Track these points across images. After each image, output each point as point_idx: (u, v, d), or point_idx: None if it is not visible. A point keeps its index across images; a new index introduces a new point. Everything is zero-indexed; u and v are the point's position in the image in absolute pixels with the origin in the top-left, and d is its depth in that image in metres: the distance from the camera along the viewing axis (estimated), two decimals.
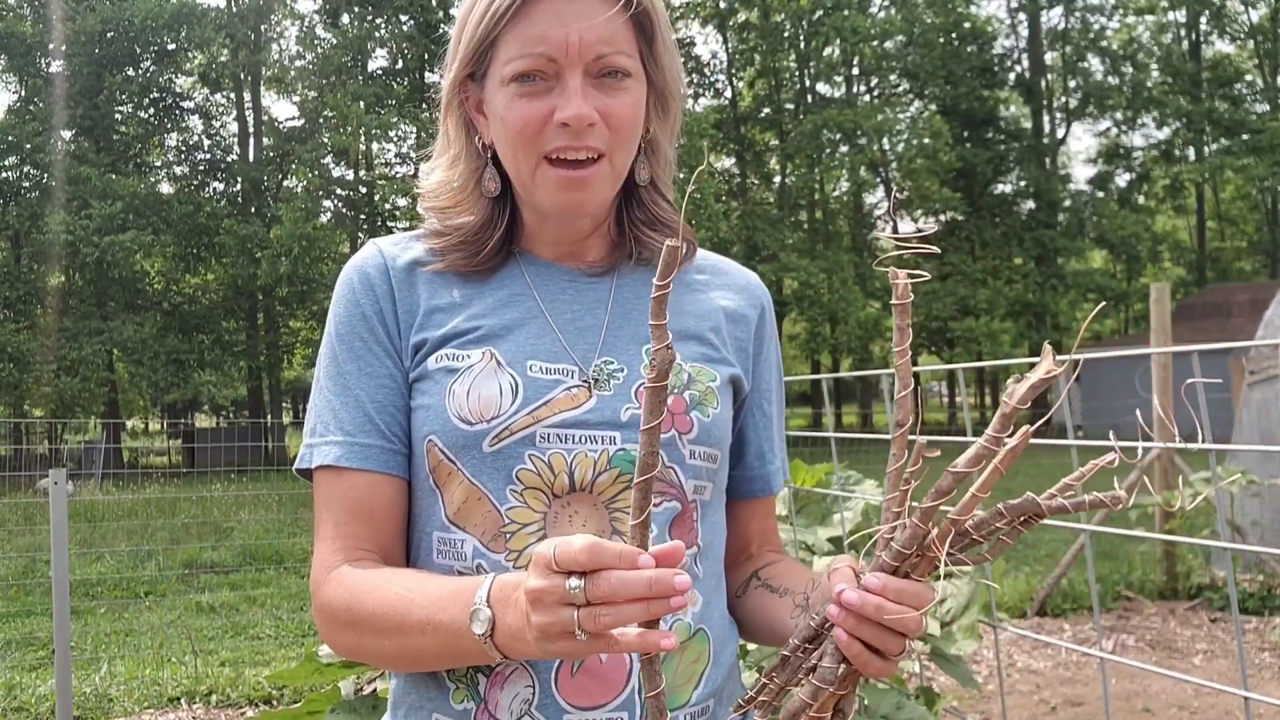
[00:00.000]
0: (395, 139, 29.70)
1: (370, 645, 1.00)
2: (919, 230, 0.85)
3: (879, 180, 34.34)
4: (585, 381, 1.06)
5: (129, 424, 38.04)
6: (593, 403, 1.05)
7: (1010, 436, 0.78)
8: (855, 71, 34.59)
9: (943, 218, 32.13)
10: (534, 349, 1.07)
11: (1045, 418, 0.84)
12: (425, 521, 1.08)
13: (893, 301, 0.84)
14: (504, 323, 1.09)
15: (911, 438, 0.87)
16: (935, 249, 0.85)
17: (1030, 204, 34.58)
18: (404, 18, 28.64)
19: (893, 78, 35.10)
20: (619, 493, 1.04)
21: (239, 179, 29.56)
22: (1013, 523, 0.79)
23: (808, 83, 34.30)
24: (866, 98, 34.54)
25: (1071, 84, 36.78)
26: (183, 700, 5.24)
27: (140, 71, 28.60)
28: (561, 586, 0.79)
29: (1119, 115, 36.78)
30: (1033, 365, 0.80)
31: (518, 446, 1.03)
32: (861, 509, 2.80)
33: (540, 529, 1.03)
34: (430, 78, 29.43)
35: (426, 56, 29.21)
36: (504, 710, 1.02)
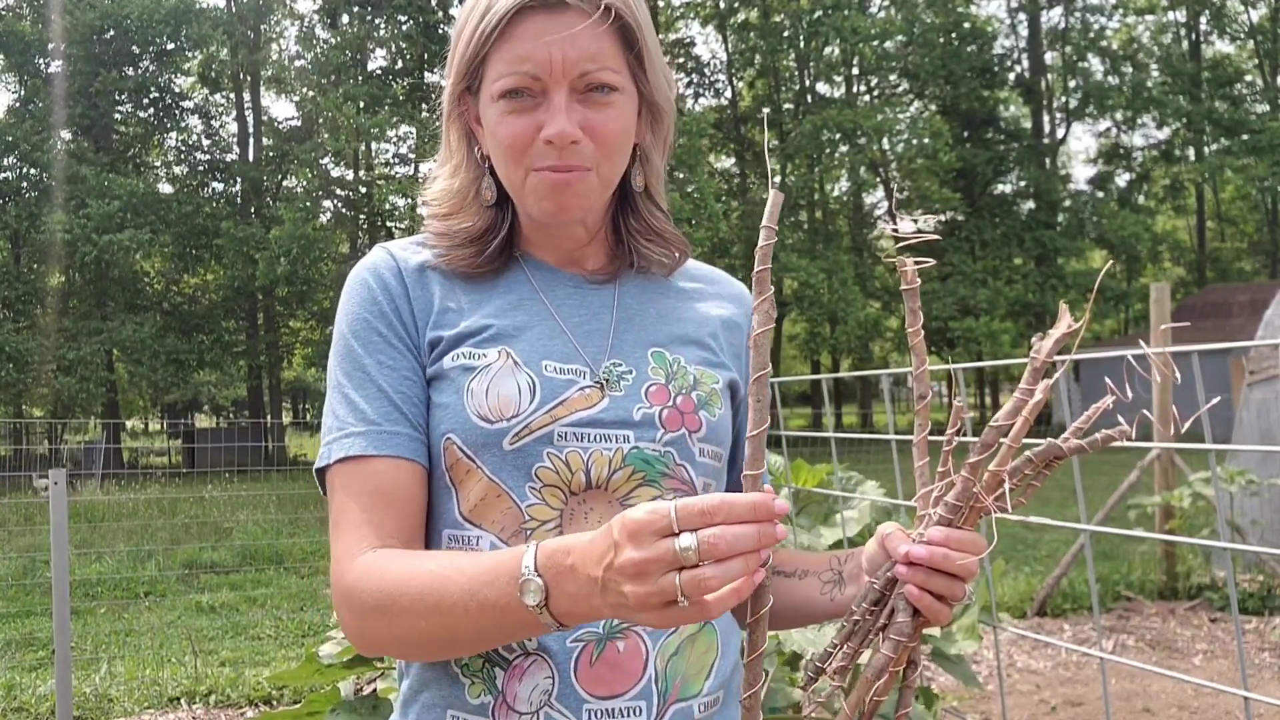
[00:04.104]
0: (394, 140, 29.70)
1: (404, 629, 0.98)
2: (921, 219, 0.92)
3: (879, 180, 34.35)
4: (597, 382, 1.09)
5: (129, 424, 38.04)
6: (606, 403, 1.08)
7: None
8: (855, 71, 34.57)
9: (943, 218, 32.16)
10: (547, 349, 1.09)
11: (1042, 391, 0.86)
12: (437, 519, 1.09)
13: (903, 287, 0.95)
14: (515, 323, 1.11)
15: (933, 439, 0.98)
16: (937, 235, 0.94)
17: (1030, 204, 34.58)
18: (403, 18, 28.61)
19: (893, 78, 35.09)
20: (633, 489, 1.07)
21: (238, 179, 29.56)
22: (1039, 468, 0.90)
23: (808, 83, 34.30)
24: (866, 98, 34.53)
25: (1071, 84, 36.77)
26: (183, 700, 5.24)
27: (139, 71, 28.62)
28: (671, 550, 0.78)
29: (1119, 115, 36.76)
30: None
31: (537, 445, 1.05)
32: (869, 509, 2.81)
33: (557, 525, 1.05)
34: (430, 78, 29.44)
35: (426, 57, 29.21)
36: (523, 702, 1.02)
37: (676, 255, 1.20)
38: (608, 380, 1.09)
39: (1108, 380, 0.88)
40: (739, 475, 1.23)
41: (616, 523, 0.82)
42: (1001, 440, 0.89)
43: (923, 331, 0.95)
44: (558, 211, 1.08)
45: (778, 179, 33.80)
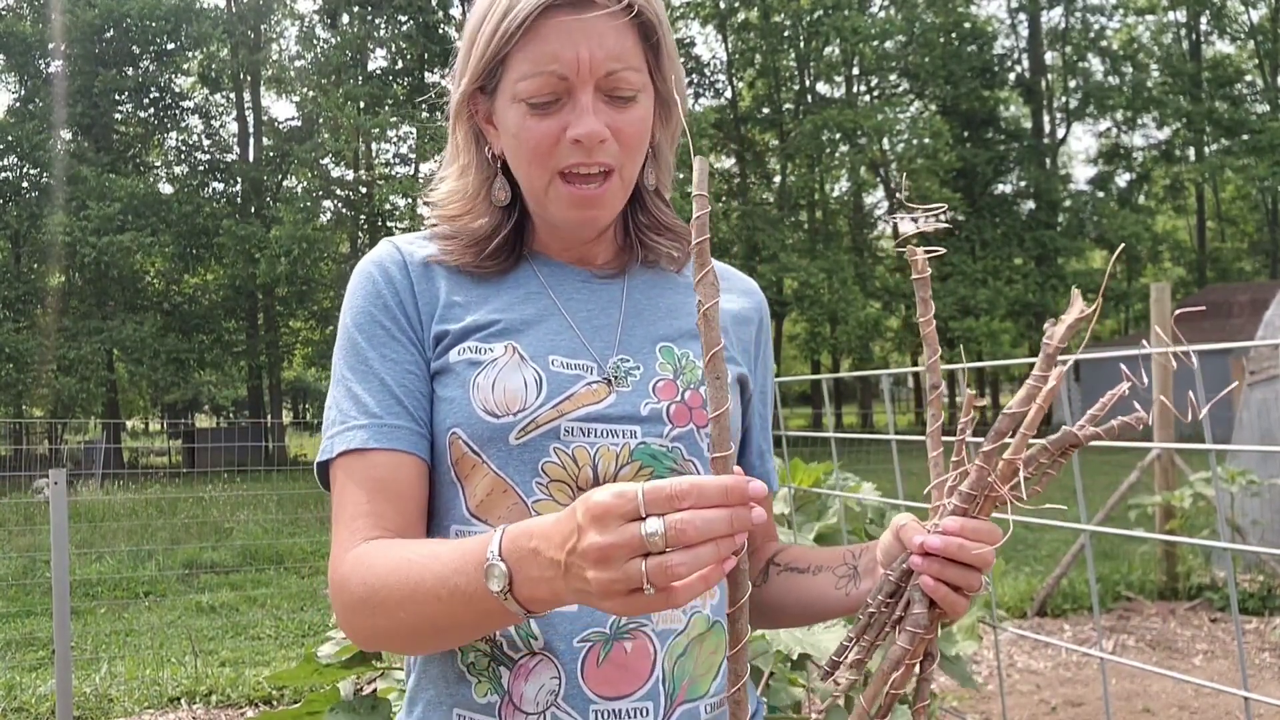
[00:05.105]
0: (394, 140, 29.72)
1: (386, 620, 0.97)
2: (923, 219, 0.91)
3: (879, 180, 34.34)
4: (605, 377, 1.08)
5: (129, 424, 38.06)
6: (613, 398, 1.07)
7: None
8: (855, 71, 34.58)
9: (945, 212, 32.15)
10: (554, 344, 1.08)
11: (1046, 398, 0.86)
12: (444, 515, 1.08)
13: (913, 276, 0.94)
14: (523, 318, 1.10)
15: (947, 438, 0.97)
16: (948, 225, 0.94)
17: (1030, 204, 34.59)
18: (403, 18, 28.64)
19: (893, 78, 35.09)
20: None
21: (239, 179, 29.59)
22: (1054, 456, 0.89)
23: (808, 83, 34.30)
24: (866, 98, 34.54)
25: (1071, 84, 36.78)
26: (183, 700, 5.24)
27: (139, 70, 28.64)
28: (637, 536, 0.75)
29: (1119, 115, 36.77)
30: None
31: (543, 440, 1.04)
32: (841, 508, 2.81)
33: None
34: (430, 78, 29.44)
35: (426, 57, 29.23)
36: (529, 702, 1.02)
37: (686, 248, 1.19)
38: (615, 376, 1.08)
39: (1123, 367, 0.87)
40: (745, 473, 1.22)
41: (580, 504, 0.79)
42: (1012, 432, 0.88)
43: (934, 322, 0.94)
44: (584, 223, 1.08)
45: (777, 178, 33.88)
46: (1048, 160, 35.62)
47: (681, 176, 1.29)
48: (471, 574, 0.87)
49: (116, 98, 28.20)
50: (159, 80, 29.36)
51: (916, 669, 0.93)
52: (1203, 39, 37.75)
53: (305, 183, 29.26)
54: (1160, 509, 6.81)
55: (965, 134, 34.74)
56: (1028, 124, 36.82)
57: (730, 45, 34.51)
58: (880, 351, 34.02)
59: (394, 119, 27.33)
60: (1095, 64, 36.71)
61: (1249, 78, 37.22)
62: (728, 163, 34.10)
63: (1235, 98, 35.85)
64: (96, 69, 26.74)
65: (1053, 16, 37.24)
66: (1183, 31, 37.72)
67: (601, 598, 0.78)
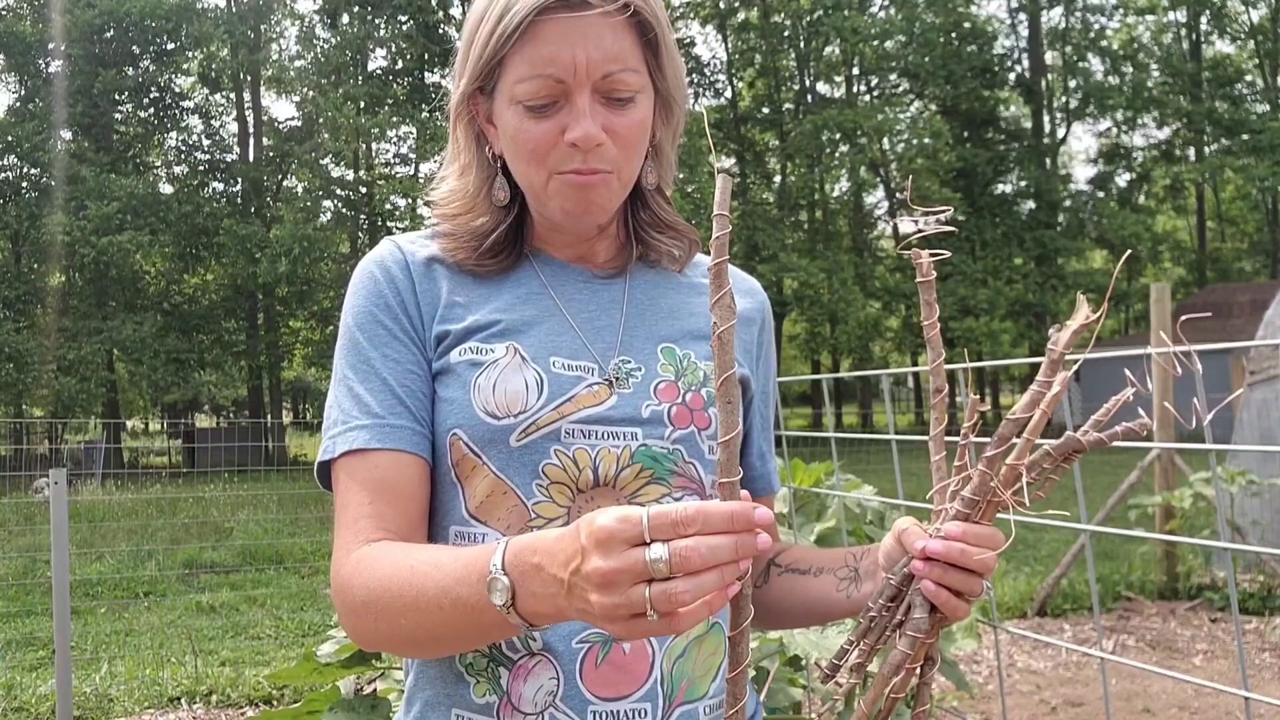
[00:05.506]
0: (394, 140, 29.71)
1: (388, 626, 0.96)
2: (923, 219, 0.91)
3: (879, 180, 34.35)
4: (606, 379, 1.07)
5: (129, 424, 38.06)
6: (614, 400, 1.06)
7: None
8: (855, 71, 34.60)
9: (947, 212, 32.18)
10: (555, 345, 1.08)
11: (1047, 403, 0.85)
12: (443, 516, 1.07)
13: (918, 279, 0.94)
14: (524, 318, 1.09)
15: (950, 439, 0.96)
16: (952, 229, 0.94)
17: (1030, 204, 34.58)
18: (403, 18, 28.64)
19: (893, 78, 35.11)
20: (641, 487, 1.05)
21: (239, 179, 29.59)
22: (1057, 462, 0.88)
23: (808, 83, 34.31)
24: (866, 98, 34.54)
25: (1071, 84, 36.78)
26: (183, 700, 5.24)
27: (139, 70, 28.66)
28: (641, 562, 0.74)
29: (1119, 115, 36.77)
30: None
31: (544, 442, 1.04)
32: (840, 507, 2.81)
33: (564, 524, 1.03)
34: (430, 78, 29.46)
35: (426, 57, 29.22)
36: (528, 703, 1.01)
37: (688, 245, 1.19)
38: (616, 377, 1.08)
39: (1128, 373, 0.87)
40: (745, 474, 1.21)
41: (584, 526, 0.78)
42: (1016, 436, 0.87)
43: (939, 325, 0.94)
44: (582, 214, 1.08)
45: (777, 178, 33.90)
46: (1048, 160, 35.62)
47: (681, 176, 1.29)
48: (474, 585, 0.87)
49: (116, 98, 28.19)
50: (159, 80, 29.35)
51: (917, 673, 0.93)
52: (1203, 39, 37.75)
53: (305, 183, 29.26)
54: (1160, 509, 6.81)
55: (965, 134, 34.74)
56: (1028, 124, 36.82)
57: (730, 45, 34.52)
58: (880, 351, 34.02)
59: (394, 119, 27.32)
60: (1095, 64, 36.72)
61: (1249, 78, 37.22)
62: (728, 162, 34.11)
63: (1235, 98, 35.84)
64: (96, 69, 26.73)
65: (1053, 16, 37.27)
66: (1183, 31, 37.72)
67: (604, 620, 0.78)
